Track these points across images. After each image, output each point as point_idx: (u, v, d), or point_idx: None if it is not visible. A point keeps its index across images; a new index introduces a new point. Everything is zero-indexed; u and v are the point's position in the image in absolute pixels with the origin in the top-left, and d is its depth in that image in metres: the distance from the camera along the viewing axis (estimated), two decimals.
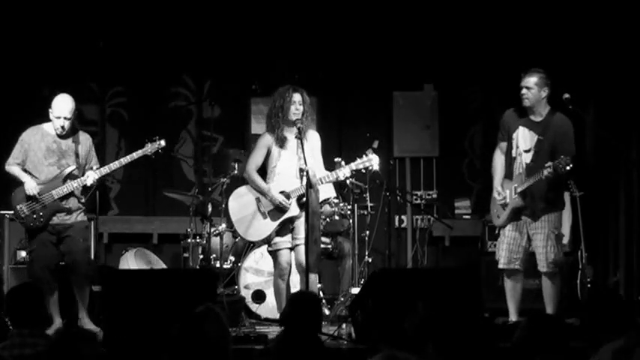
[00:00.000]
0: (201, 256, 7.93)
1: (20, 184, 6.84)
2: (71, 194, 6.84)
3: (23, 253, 7.68)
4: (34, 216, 6.77)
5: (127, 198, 9.18)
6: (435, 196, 9.14)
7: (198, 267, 7.85)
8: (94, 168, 6.91)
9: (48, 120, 6.95)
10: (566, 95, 6.71)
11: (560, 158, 6.38)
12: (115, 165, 6.94)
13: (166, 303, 5.68)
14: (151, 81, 9.16)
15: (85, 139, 6.98)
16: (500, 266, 6.73)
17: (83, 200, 6.96)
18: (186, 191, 8.38)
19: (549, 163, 6.43)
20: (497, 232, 6.89)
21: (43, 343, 4.26)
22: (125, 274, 7.02)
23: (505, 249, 6.69)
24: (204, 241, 7.83)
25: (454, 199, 9.20)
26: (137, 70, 9.10)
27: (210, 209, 7.84)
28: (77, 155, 6.88)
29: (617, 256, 8.39)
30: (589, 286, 7.65)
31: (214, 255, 7.87)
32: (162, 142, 7.03)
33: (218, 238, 7.87)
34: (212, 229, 7.77)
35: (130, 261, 7.96)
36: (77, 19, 8.84)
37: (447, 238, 9.00)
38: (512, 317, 6.74)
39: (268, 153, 6.64)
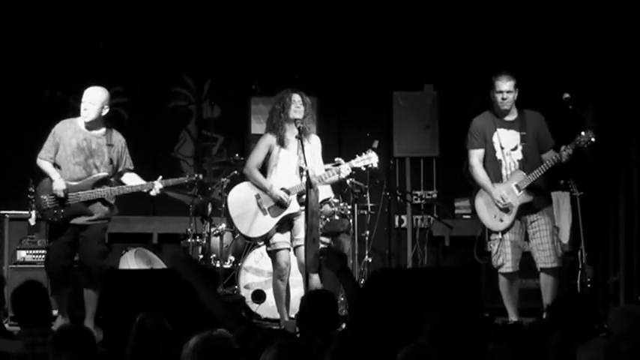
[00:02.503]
0: (201, 256, 7.93)
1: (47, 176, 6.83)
2: (97, 199, 6.83)
3: (23, 253, 7.69)
4: (55, 212, 6.76)
5: (127, 198, 9.12)
6: (435, 196, 9.14)
7: None
8: (130, 169, 7.01)
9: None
10: (566, 95, 6.76)
11: (581, 135, 6.50)
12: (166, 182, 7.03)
13: (166, 303, 5.67)
14: (151, 81, 9.16)
15: (117, 141, 6.94)
16: (507, 271, 6.74)
17: (113, 202, 6.96)
18: (186, 191, 8.39)
19: (564, 147, 6.56)
20: (494, 236, 6.84)
21: None
22: (125, 274, 7.02)
23: (510, 252, 6.72)
24: (204, 241, 7.83)
25: (454, 199, 9.19)
26: (137, 70, 9.10)
27: (210, 209, 7.84)
28: (110, 160, 6.84)
29: (617, 256, 8.39)
30: (589, 286, 7.67)
31: (214, 255, 7.87)
32: (201, 176, 7.34)
33: (218, 238, 7.87)
34: (212, 229, 7.77)
35: (130, 261, 7.96)
36: (77, 19, 8.84)
37: (447, 238, 9.00)
38: (513, 317, 6.77)
39: (269, 153, 6.67)
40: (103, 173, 6.83)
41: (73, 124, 6.88)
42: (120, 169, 6.95)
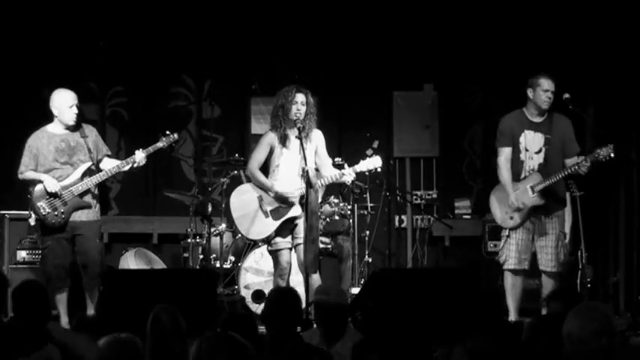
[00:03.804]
0: (201, 256, 7.93)
1: (37, 183, 6.84)
2: (88, 191, 6.88)
3: (23, 253, 7.69)
4: (55, 213, 6.79)
5: (127, 198, 9.17)
6: (435, 196, 9.15)
7: (198, 267, 7.86)
8: (108, 155, 7.07)
9: (49, 120, 6.98)
10: (566, 95, 6.79)
11: (600, 149, 6.60)
12: (147, 151, 7.00)
13: (166, 303, 5.67)
14: (151, 81, 9.15)
15: (89, 131, 7.05)
16: (510, 267, 6.80)
17: (97, 192, 7.00)
18: (186, 191, 8.39)
19: (582, 158, 6.66)
20: (503, 233, 6.91)
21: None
22: (125, 274, 7.02)
23: (514, 250, 6.79)
24: (204, 241, 7.83)
25: (454, 199, 9.19)
26: (137, 70, 9.10)
27: (210, 209, 7.84)
28: (89, 150, 6.93)
29: (617, 256, 8.39)
30: (589, 286, 7.68)
31: (214, 255, 7.87)
32: (176, 136, 7.15)
33: (218, 238, 7.88)
34: (212, 229, 7.77)
35: (130, 261, 7.96)
36: (77, 19, 8.84)
37: (447, 238, 9.00)
38: (512, 316, 6.80)
39: (271, 152, 6.64)
40: (87, 163, 6.90)
41: (45, 133, 6.96)
42: (99, 157, 7.01)
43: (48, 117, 7.05)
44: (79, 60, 8.87)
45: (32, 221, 7.03)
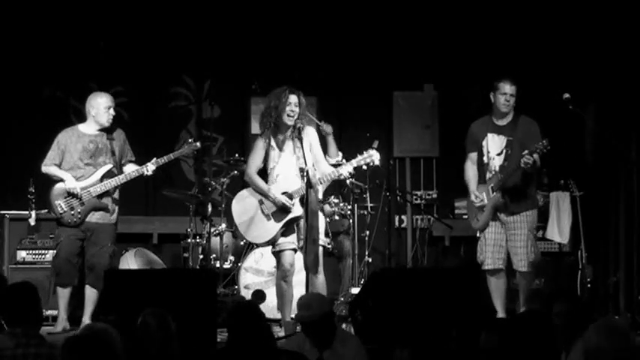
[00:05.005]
0: (201, 256, 7.94)
1: (56, 181, 6.89)
2: (106, 193, 6.92)
3: (23, 253, 7.69)
4: (72, 212, 6.84)
5: (127, 198, 9.13)
6: (435, 196, 9.15)
7: (198, 267, 7.86)
8: (132, 160, 7.12)
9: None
10: (566, 95, 6.81)
11: (537, 143, 6.63)
12: (162, 160, 7.05)
13: (166, 303, 5.67)
14: (151, 81, 9.16)
15: (118, 135, 7.10)
16: (487, 267, 6.89)
17: (116, 196, 7.02)
18: (186, 191, 8.39)
19: (525, 152, 6.66)
20: (477, 235, 7.01)
21: (35, 343, 4.24)
22: (125, 274, 7.02)
23: (489, 250, 6.88)
24: (204, 241, 7.84)
25: (454, 199, 9.19)
26: (137, 70, 9.10)
27: (210, 209, 7.85)
28: (113, 153, 6.99)
29: (617, 256, 8.39)
30: (589, 286, 7.69)
31: (214, 255, 7.87)
32: (198, 144, 7.25)
33: (218, 238, 7.88)
34: (212, 229, 7.77)
35: (130, 261, 7.96)
36: (77, 19, 8.85)
37: (447, 238, 9.00)
38: (500, 314, 6.85)
39: (267, 155, 6.60)
40: (108, 165, 6.94)
41: (75, 131, 7.02)
42: (123, 161, 7.07)
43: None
44: (79, 60, 8.87)
45: (32, 221, 7.04)
